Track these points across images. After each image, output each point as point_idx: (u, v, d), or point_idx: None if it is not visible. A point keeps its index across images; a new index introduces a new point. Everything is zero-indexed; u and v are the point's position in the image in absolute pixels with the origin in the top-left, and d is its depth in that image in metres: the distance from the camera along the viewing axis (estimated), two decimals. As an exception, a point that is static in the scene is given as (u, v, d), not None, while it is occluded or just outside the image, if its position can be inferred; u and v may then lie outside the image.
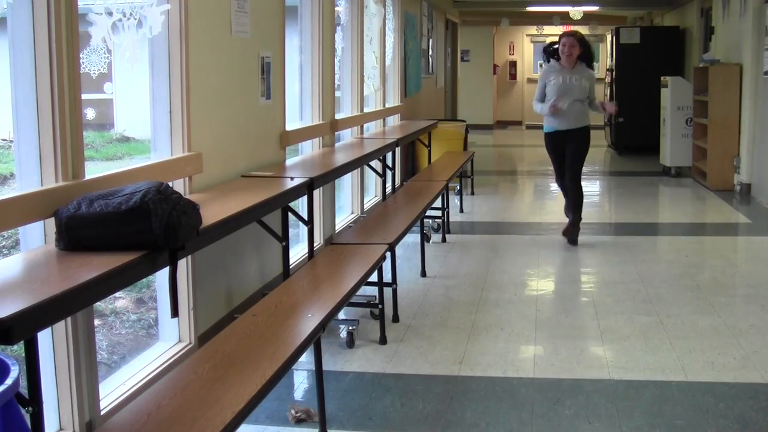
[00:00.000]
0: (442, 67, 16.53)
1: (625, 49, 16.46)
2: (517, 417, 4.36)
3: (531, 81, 24.13)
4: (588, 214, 10.61)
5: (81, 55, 3.60)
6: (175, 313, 3.52)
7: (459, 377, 4.89)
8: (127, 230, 3.13)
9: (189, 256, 4.34)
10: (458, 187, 10.85)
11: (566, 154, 8.29)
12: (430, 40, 14.37)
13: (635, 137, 16.05)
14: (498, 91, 23.82)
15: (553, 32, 23.19)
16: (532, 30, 23.76)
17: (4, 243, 6.31)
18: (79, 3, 3.53)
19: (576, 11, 18.87)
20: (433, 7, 14.55)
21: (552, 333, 5.67)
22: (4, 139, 9.01)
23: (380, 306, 5.46)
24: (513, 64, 24.26)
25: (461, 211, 10.28)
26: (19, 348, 2.77)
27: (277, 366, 3.45)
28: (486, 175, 13.10)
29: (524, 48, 24.26)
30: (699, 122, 12.37)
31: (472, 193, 11.52)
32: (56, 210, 3.22)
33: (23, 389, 2.46)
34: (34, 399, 2.60)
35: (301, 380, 4.80)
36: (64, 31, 3.40)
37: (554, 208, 11.42)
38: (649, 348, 5.32)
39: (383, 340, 5.38)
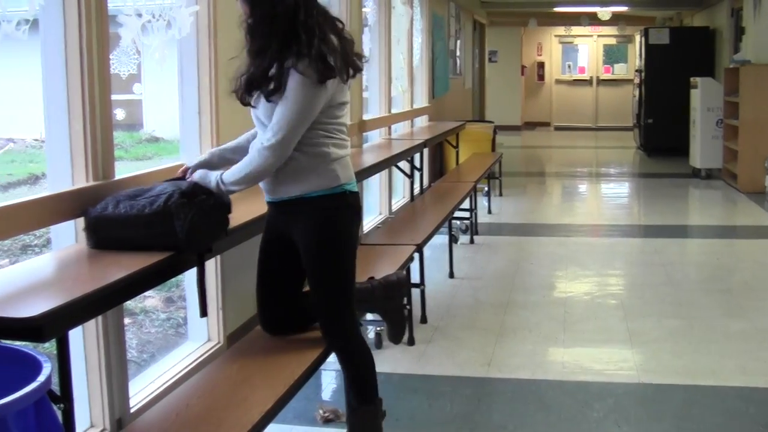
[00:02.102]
0: (470, 68, 16.50)
1: (654, 50, 16.36)
2: (545, 420, 4.35)
3: (559, 82, 24.07)
4: (617, 216, 10.59)
5: (111, 56, 3.62)
6: (203, 313, 3.53)
7: (487, 379, 4.89)
8: (151, 232, 3.14)
9: (218, 256, 4.36)
10: (486, 189, 10.82)
11: None
12: (458, 41, 14.34)
13: (664, 139, 15.94)
14: (526, 92, 23.74)
15: (581, 33, 23.14)
16: (560, 31, 23.66)
17: (35, 242, 6.37)
18: (109, 5, 3.55)
19: (604, 12, 18.78)
20: (460, 8, 14.52)
21: (580, 335, 5.65)
22: (35, 139, 9.10)
23: (408, 307, 5.45)
24: (541, 65, 24.17)
25: (489, 212, 10.25)
26: (50, 346, 2.79)
27: (305, 366, 3.46)
28: (514, 177, 13.06)
29: (552, 49, 24.16)
30: (729, 124, 12.27)
31: (500, 195, 11.49)
32: (86, 209, 3.25)
33: (55, 386, 2.48)
34: (66, 396, 2.62)
35: (329, 380, 4.81)
36: (95, 33, 3.42)
37: (583, 209, 11.40)
38: (679, 351, 5.28)
39: (411, 341, 5.38)
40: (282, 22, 3.24)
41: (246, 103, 3.37)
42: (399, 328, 4.17)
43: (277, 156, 3.25)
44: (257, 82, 3.28)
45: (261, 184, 3.44)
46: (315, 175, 3.35)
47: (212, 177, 3.34)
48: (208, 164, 3.50)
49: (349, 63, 3.40)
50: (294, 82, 3.22)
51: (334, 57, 3.29)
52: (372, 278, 4.16)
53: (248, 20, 3.33)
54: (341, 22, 3.45)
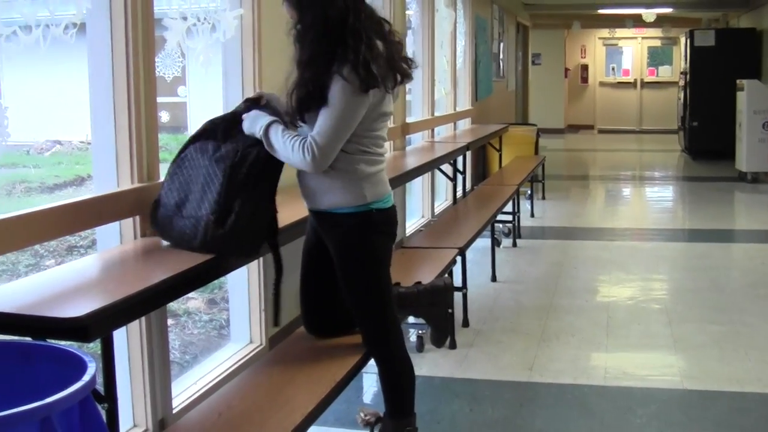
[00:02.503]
0: (513, 70, 16.45)
1: (700, 52, 16.21)
2: (587, 425, 4.32)
3: (603, 84, 23.91)
4: (661, 220, 10.51)
5: (156, 59, 3.65)
6: (277, 321, 3.56)
7: (528, 383, 4.86)
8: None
9: (261, 258, 4.37)
10: (529, 192, 10.78)
11: None
12: (501, 44, 14.30)
13: (710, 142, 15.77)
14: (569, 95, 23.61)
15: (625, 35, 22.97)
16: (604, 33, 23.52)
17: (81, 243, 6.44)
18: (155, 8, 3.59)
19: (649, 13, 18.62)
20: (504, 11, 14.48)
21: (623, 340, 5.61)
22: (81, 141, 9.20)
23: (450, 310, 5.44)
24: (584, 68, 24.03)
25: (532, 215, 10.21)
26: (95, 346, 2.82)
27: (347, 369, 3.47)
28: (557, 180, 13.00)
29: (596, 51, 24.01)
30: (776, 127, 12.13)
31: (543, 198, 11.44)
32: (156, 205, 3.32)
33: (99, 386, 2.50)
34: (110, 396, 2.65)
35: (370, 383, 4.81)
36: (141, 36, 3.46)
37: (626, 213, 11.32)
38: (724, 357, 5.23)
39: (453, 345, 5.37)
40: (334, 26, 3.20)
41: (301, 123, 3.30)
42: (443, 332, 4.17)
43: (315, 163, 3.19)
44: (308, 104, 3.22)
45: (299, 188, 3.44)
46: (341, 192, 3.32)
47: (261, 124, 3.26)
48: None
49: (396, 68, 3.34)
50: (337, 87, 3.17)
51: (379, 64, 3.23)
52: (419, 283, 4.15)
53: (297, 26, 3.28)
54: (388, 22, 3.40)
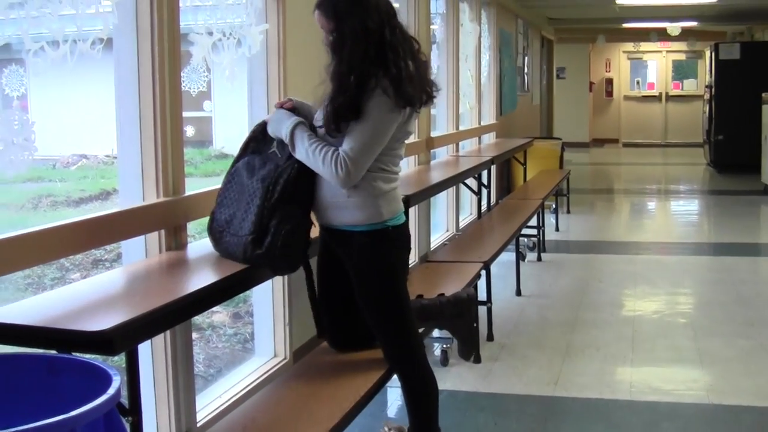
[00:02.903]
0: (538, 84, 16.43)
1: (725, 65, 16.13)
2: (613, 439, 4.29)
3: (628, 98, 23.83)
4: (686, 234, 10.45)
5: (182, 74, 3.67)
6: (321, 332, 3.62)
7: (553, 398, 4.84)
8: None
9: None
10: (554, 206, 10.75)
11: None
12: (526, 58, 14.29)
13: (735, 155, 15.66)
14: (594, 109, 23.54)
15: (650, 48, 22.90)
16: (629, 47, 23.46)
17: (106, 256, 6.47)
18: (180, 23, 3.61)
19: (674, 27, 18.56)
20: (528, 25, 14.48)
21: (649, 355, 5.58)
22: (107, 156, 9.25)
23: (475, 324, 5.43)
24: (609, 82, 23.95)
25: (557, 229, 10.18)
26: (120, 359, 2.83)
27: (371, 383, 3.46)
28: (582, 194, 12.96)
29: (620, 65, 23.94)
30: (803, 140, 12.04)
31: (568, 212, 11.40)
32: (213, 215, 3.39)
33: (124, 399, 2.51)
34: (134, 409, 2.65)
35: (394, 397, 4.80)
36: (167, 51, 3.48)
37: (652, 227, 11.26)
38: (751, 372, 5.18)
39: (477, 359, 5.35)
40: (372, 38, 3.20)
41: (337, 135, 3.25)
42: (470, 344, 4.16)
43: (348, 178, 3.18)
44: (343, 115, 3.19)
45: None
46: (358, 210, 3.30)
47: (287, 126, 3.27)
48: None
49: (424, 89, 3.34)
50: (375, 102, 3.17)
51: (413, 82, 3.25)
52: (441, 294, 4.15)
53: (332, 35, 3.26)
54: (417, 41, 3.40)
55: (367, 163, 3.22)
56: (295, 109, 3.42)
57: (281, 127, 3.29)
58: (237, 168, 3.38)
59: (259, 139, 3.42)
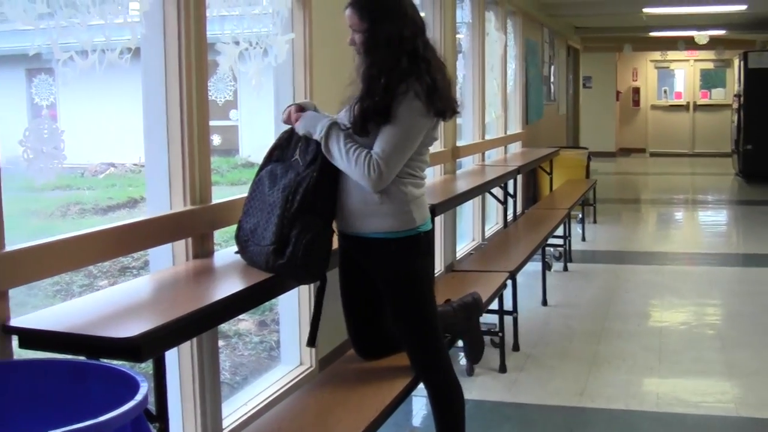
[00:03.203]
0: (564, 93, 16.39)
1: (754, 74, 16.03)
2: (640, 450, 4.27)
3: (655, 107, 23.71)
4: (714, 244, 10.38)
5: (208, 83, 3.69)
6: (312, 342, 3.60)
7: (579, 408, 4.82)
8: None
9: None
10: (580, 216, 10.71)
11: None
12: (552, 67, 14.26)
13: (764, 165, 15.56)
14: (621, 118, 23.44)
15: (677, 57, 22.79)
16: (656, 56, 23.35)
17: (133, 264, 6.50)
18: (208, 33, 3.63)
19: (701, 36, 18.46)
20: (554, 34, 14.45)
21: (676, 366, 5.55)
22: (134, 164, 9.31)
23: (500, 334, 5.42)
24: (636, 91, 23.85)
25: (583, 239, 10.15)
26: (147, 366, 2.85)
27: (396, 392, 3.46)
28: (608, 204, 12.91)
29: (648, 74, 23.83)
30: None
31: (595, 222, 11.36)
32: (240, 223, 3.41)
33: (151, 406, 2.52)
34: (161, 415, 2.67)
35: (419, 407, 4.80)
36: (194, 61, 3.50)
37: (679, 237, 11.20)
38: (779, 383, 5.14)
39: (503, 369, 5.34)
40: (406, 46, 3.22)
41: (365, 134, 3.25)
42: (479, 347, 4.18)
43: (381, 181, 3.19)
44: (372, 117, 3.21)
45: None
46: (390, 216, 3.30)
47: (321, 126, 3.27)
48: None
49: (451, 104, 3.37)
50: (408, 106, 3.19)
51: (442, 96, 3.28)
52: (449, 300, 4.15)
53: (364, 35, 3.27)
54: (444, 63, 3.43)
55: (399, 166, 3.23)
56: (301, 108, 3.44)
57: (315, 125, 3.29)
58: (261, 176, 3.40)
59: (283, 146, 3.44)
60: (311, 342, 3.60)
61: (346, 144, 3.21)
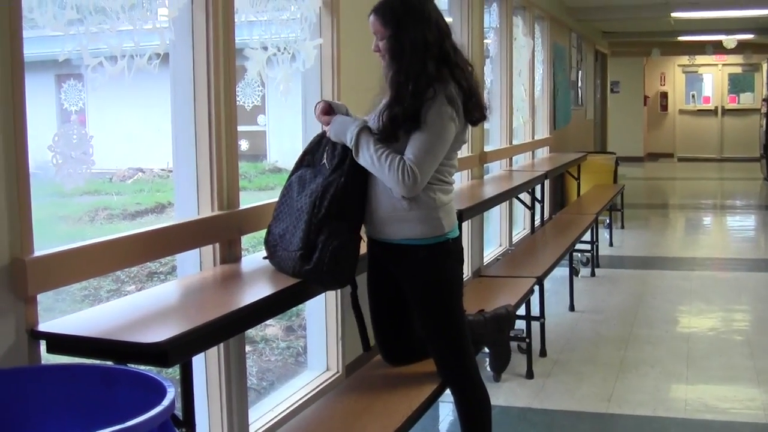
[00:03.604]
0: (592, 98, 16.33)
1: (783, 79, 15.91)
2: (668, 458, 4.24)
3: (683, 112, 23.58)
4: (743, 250, 10.29)
5: (236, 88, 3.70)
6: (367, 346, 3.61)
7: (607, 415, 4.79)
8: None
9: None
10: (608, 221, 10.66)
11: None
12: (580, 72, 14.22)
13: (793, 170, 15.45)
14: (648, 123, 23.34)
15: (705, 62, 22.65)
16: (684, 60, 23.21)
17: (161, 269, 6.52)
18: (236, 39, 3.64)
19: (730, 40, 18.34)
20: (582, 39, 14.40)
21: (704, 372, 5.50)
22: (162, 169, 9.34)
23: (527, 340, 5.40)
24: (664, 95, 23.73)
25: (611, 245, 10.10)
26: (174, 371, 2.85)
27: (423, 398, 3.45)
28: (636, 209, 12.84)
29: (675, 78, 23.71)
30: None
31: (622, 227, 11.31)
32: (270, 228, 3.43)
33: (178, 411, 2.53)
34: (188, 420, 2.68)
35: (446, 413, 4.79)
36: (222, 66, 3.51)
37: (707, 242, 11.13)
38: (810, 390, 5.09)
39: (530, 375, 5.32)
40: (432, 51, 3.22)
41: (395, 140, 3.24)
42: (505, 358, 4.16)
43: (415, 186, 3.18)
44: (401, 123, 3.19)
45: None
46: (419, 223, 3.28)
47: (351, 131, 3.26)
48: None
49: (477, 106, 3.36)
50: (438, 111, 3.18)
51: (472, 100, 3.29)
52: (482, 311, 4.14)
53: (390, 42, 3.26)
54: (471, 66, 3.42)
55: (431, 170, 3.23)
56: (330, 107, 3.43)
57: (346, 131, 3.28)
58: (291, 181, 3.41)
59: (314, 150, 3.44)
60: (366, 347, 3.60)
61: (377, 150, 3.20)
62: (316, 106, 3.48)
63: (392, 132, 3.21)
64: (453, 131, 3.25)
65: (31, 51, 2.61)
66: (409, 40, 3.22)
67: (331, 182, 3.26)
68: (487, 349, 4.20)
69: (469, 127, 3.42)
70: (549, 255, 6.41)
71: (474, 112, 3.32)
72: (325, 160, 3.35)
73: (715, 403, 4.98)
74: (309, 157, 3.44)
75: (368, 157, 3.21)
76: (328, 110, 3.41)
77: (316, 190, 3.25)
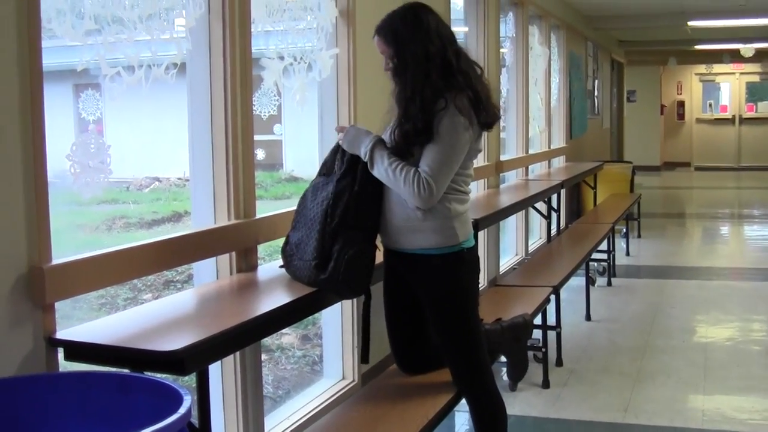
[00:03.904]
0: (608, 107, 16.30)
1: (802, 88, 15.84)
2: (685, 468, 4.22)
3: (700, 121, 23.50)
4: (760, 259, 10.25)
5: (253, 98, 3.72)
6: (365, 358, 3.57)
7: (623, 425, 4.78)
8: None
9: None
10: (624, 230, 10.63)
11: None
12: (596, 81, 14.20)
13: (812, 180, 15.37)
14: (665, 132, 23.27)
15: (723, 70, 22.58)
16: (701, 69, 23.14)
17: (177, 278, 6.55)
18: (252, 48, 3.66)
19: (747, 48, 18.29)
20: (598, 48, 14.39)
21: (722, 383, 5.48)
22: (179, 178, 9.37)
23: (543, 349, 5.39)
24: (681, 104, 23.66)
25: (627, 254, 10.07)
26: (190, 379, 2.86)
27: (439, 407, 3.45)
28: (653, 218, 12.79)
29: (692, 87, 23.64)
30: None
31: (639, 236, 11.27)
32: (288, 237, 3.43)
33: (194, 419, 2.54)
34: (204, 428, 2.69)
35: (462, 422, 4.78)
36: (239, 76, 3.53)
37: (724, 252, 11.08)
38: (828, 401, 5.06)
39: (546, 384, 5.31)
40: (435, 62, 3.21)
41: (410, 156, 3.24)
42: (522, 368, 4.15)
43: (431, 199, 3.18)
44: (414, 139, 3.20)
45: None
46: (434, 233, 3.28)
47: (366, 144, 3.27)
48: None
49: (489, 110, 3.35)
50: (449, 122, 3.18)
51: (484, 106, 3.28)
52: (499, 320, 4.13)
53: (393, 61, 3.28)
54: (480, 66, 3.43)
55: (447, 181, 3.23)
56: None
57: (360, 144, 3.29)
58: (307, 190, 3.43)
59: (330, 160, 3.45)
60: (365, 359, 3.57)
61: (392, 163, 3.20)
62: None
63: (406, 149, 3.22)
64: (467, 141, 3.25)
65: (49, 61, 2.63)
66: (411, 54, 3.22)
67: (343, 190, 3.26)
68: (504, 358, 4.20)
69: (484, 136, 3.42)
70: (565, 264, 6.40)
71: (486, 114, 3.30)
72: (336, 168, 3.37)
73: (732, 413, 4.96)
74: (325, 167, 3.45)
75: (383, 171, 3.22)
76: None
77: (327, 197, 3.26)
